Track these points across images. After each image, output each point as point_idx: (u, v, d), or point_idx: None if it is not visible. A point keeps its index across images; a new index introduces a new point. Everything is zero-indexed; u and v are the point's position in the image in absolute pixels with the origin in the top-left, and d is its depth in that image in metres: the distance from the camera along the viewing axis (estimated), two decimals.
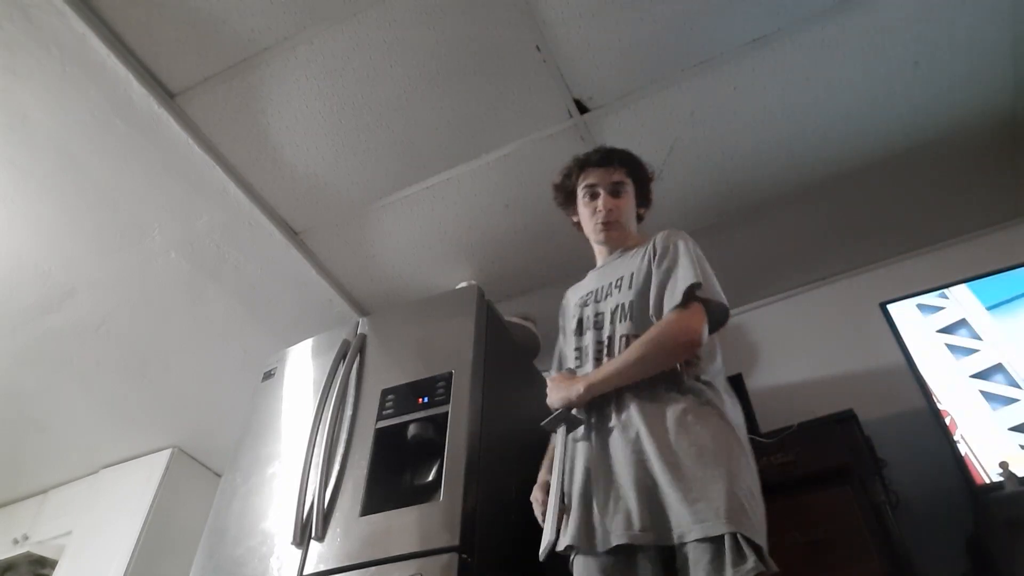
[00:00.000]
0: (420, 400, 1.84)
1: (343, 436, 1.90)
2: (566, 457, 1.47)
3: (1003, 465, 1.74)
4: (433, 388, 1.84)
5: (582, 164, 1.73)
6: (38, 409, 3.03)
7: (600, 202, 1.67)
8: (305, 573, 1.64)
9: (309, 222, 2.48)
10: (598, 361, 1.49)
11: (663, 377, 1.42)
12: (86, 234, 2.40)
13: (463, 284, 2.50)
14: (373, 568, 1.55)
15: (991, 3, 1.97)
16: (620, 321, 1.48)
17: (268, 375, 2.29)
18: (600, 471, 1.38)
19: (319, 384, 2.02)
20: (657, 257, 1.54)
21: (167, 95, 2.08)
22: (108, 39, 1.92)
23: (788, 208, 2.48)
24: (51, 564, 3.16)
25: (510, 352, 2.15)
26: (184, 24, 1.93)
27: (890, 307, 2.21)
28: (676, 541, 1.23)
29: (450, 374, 1.78)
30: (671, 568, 1.25)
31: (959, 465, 1.86)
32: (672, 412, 1.36)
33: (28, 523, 3.38)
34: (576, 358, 1.58)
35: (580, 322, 1.53)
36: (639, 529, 1.26)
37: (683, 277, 1.46)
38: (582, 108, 2.18)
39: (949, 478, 1.92)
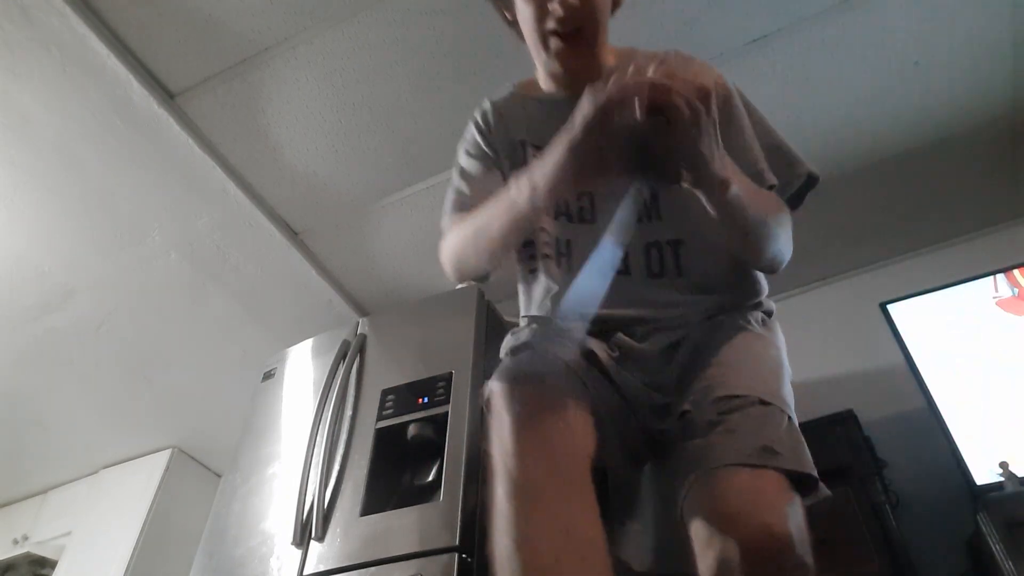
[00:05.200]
0: (420, 400, 1.84)
1: (343, 436, 1.89)
2: None
3: (1003, 465, 1.74)
4: (433, 388, 1.84)
5: None
6: (38, 409, 3.03)
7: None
8: (305, 573, 1.64)
9: (309, 222, 2.48)
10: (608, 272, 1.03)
11: None
12: (86, 234, 2.40)
13: (463, 284, 2.49)
14: (373, 568, 1.55)
15: (991, 3, 1.96)
16: (647, 220, 1.05)
17: (268, 375, 2.28)
18: None
19: (319, 384, 2.02)
20: (735, 105, 1.11)
21: (167, 95, 2.08)
22: (108, 39, 1.92)
23: None
24: (51, 564, 3.16)
25: None
26: (184, 24, 1.93)
27: (890, 307, 2.22)
28: None
29: (450, 374, 1.79)
30: None
31: (959, 465, 1.86)
32: None
33: (28, 523, 3.38)
34: (552, 254, 1.12)
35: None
36: None
37: (798, 162, 1.10)
38: None
39: (949, 478, 1.93)
